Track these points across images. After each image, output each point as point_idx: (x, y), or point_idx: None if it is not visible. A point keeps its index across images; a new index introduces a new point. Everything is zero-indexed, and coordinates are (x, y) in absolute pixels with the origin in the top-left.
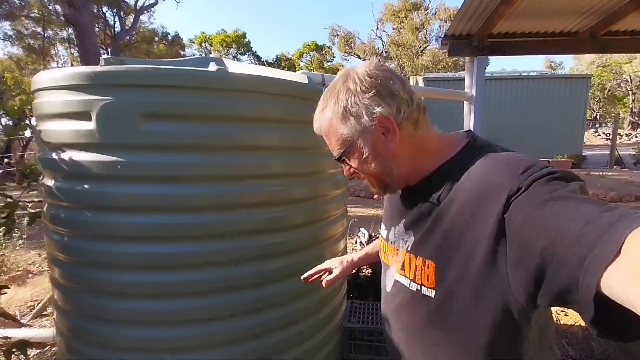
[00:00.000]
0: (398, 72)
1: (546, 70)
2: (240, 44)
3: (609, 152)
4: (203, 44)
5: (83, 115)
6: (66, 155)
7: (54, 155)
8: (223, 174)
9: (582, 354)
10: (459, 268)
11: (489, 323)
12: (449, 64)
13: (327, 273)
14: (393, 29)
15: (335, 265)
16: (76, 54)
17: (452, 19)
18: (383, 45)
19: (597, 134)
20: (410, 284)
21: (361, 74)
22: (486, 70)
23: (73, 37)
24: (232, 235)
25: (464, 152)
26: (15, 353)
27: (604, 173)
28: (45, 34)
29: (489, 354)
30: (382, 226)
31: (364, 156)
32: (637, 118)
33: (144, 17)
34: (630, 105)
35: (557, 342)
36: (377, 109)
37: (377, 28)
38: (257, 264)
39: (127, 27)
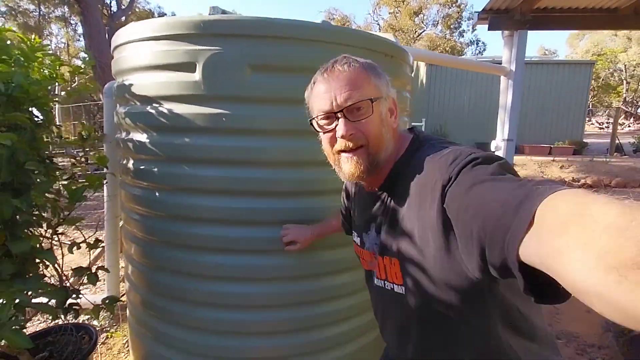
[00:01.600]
0: None
1: (541, 56)
2: None
3: (604, 141)
4: None
5: (187, 67)
6: (164, 108)
7: (149, 109)
8: None
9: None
10: (417, 260)
11: (458, 301)
12: (447, 49)
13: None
14: (389, 13)
15: (300, 236)
16: (71, 33)
17: None
18: (379, 29)
19: (590, 122)
20: (385, 284)
21: (367, 61)
22: (485, 55)
23: (68, 15)
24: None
25: (409, 149)
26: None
27: (608, 160)
28: (40, 12)
29: (470, 327)
30: (354, 233)
31: (380, 118)
32: (630, 107)
33: None
34: (624, 95)
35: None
36: (392, 91)
37: (374, 12)
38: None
39: (124, 7)
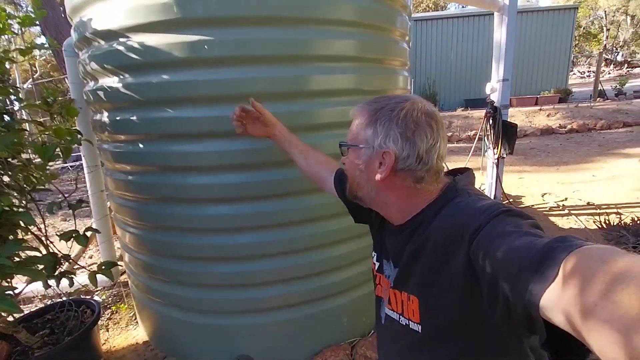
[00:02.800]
0: (442, 133)
1: (523, 4)
2: None
3: (587, 89)
4: None
5: None
6: (133, 42)
7: (116, 46)
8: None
9: None
10: (441, 303)
11: (478, 348)
12: (430, 6)
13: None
14: None
15: (267, 122)
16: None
17: None
18: None
19: (572, 72)
20: (400, 318)
21: (412, 110)
22: (467, 8)
23: None
24: None
25: (443, 195)
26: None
27: (592, 105)
28: None
29: None
30: (374, 253)
31: (357, 163)
32: (610, 55)
33: None
34: (604, 42)
35: None
36: (390, 144)
37: None
38: None
39: None
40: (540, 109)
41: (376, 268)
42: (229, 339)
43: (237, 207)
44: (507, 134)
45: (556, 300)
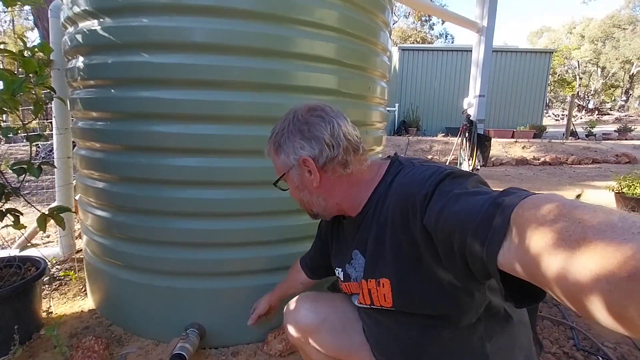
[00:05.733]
0: (333, 115)
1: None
2: None
3: (560, 130)
4: None
5: None
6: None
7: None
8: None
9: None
10: (412, 276)
11: (447, 301)
12: (418, 40)
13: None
14: None
15: (263, 307)
16: (17, 9)
17: None
18: None
19: (547, 115)
20: (370, 307)
21: (297, 116)
22: (452, 43)
23: None
24: None
25: (388, 173)
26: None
27: (564, 142)
28: None
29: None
30: (337, 270)
31: (295, 186)
32: (581, 101)
33: None
34: (577, 90)
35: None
36: (301, 151)
37: None
38: None
39: None
40: (516, 141)
41: (342, 279)
42: (181, 305)
43: (205, 159)
44: (481, 147)
45: (512, 253)
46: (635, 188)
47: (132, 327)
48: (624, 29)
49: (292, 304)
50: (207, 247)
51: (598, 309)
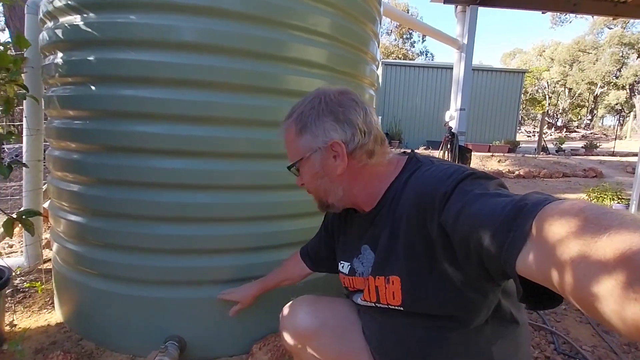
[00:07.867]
0: (364, 101)
1: (480, 64)
2: None
3: (532, 145)
4: None
5: None
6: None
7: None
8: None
9: None
10: (423, 274)
11: (459, 302)
12: (399, 56)
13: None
14: None
15: (240, 298)
16: None
17: None
18: None
19: (520, 131)
20: (376, 305)
21: (329, 97)
22: (432, 61)
23: None
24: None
25: (405, 169)
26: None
27: (536, 157)
28: None
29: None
30: (341, 263)
31: (313, 172)
32: (551, 119)
33: None
34: (547, 108)
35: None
36: (333, 134)
37: None
38: None
39: None
40: (492, 155)
41: (347, 273)
42: (159, 316)
43: (190, 161)
44: (462, 158)
45: (532, 259)
46: (603, 199)
47: (105, 341)
48: (589, 53)
49: (288, 308)
50: (190, 253)
51: (625, 322)
